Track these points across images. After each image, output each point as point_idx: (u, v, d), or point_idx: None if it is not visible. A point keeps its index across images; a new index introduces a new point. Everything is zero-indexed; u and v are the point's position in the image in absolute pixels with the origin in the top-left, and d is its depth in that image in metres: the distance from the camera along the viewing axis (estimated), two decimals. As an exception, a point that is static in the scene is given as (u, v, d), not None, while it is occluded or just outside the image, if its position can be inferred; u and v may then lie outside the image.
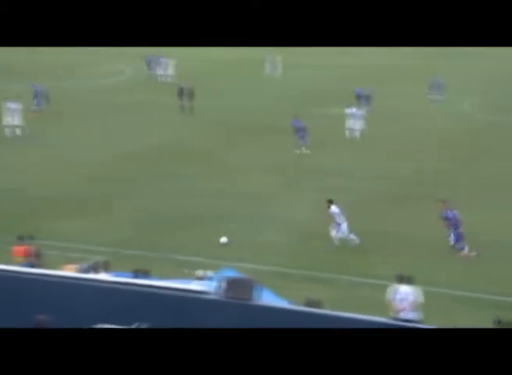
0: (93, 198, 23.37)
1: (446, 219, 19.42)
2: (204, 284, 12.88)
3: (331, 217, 19.76)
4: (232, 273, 13.91)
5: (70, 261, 16.34)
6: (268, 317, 10.88)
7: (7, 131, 30.73)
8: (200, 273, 14.83)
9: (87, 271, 14.23)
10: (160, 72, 46.26)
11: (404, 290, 14.23)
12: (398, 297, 14.21)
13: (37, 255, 15.77)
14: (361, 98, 36.23)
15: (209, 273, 14.92)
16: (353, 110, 32.13)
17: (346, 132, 31.78)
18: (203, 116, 35.38)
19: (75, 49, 54.13)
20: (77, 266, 15.11)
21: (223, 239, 19.57)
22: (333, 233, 19.71)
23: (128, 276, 13.35)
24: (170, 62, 46.38)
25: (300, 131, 29.37)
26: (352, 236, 19.76)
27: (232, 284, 11.17)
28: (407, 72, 49.29)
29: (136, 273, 13.83)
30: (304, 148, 29.16)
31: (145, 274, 14.01)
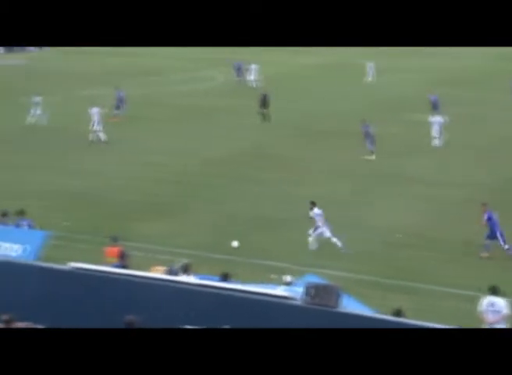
0: (177, 201, 23.80)
1: (488, 220, 19.59)
2: (289, 290, 12.94)
3: (312, 219, 19.84)
4: (315, 280, 13.91)
5: (158, 263, 16.70)
6: (353, 325, 10.81)
7: (92, 136, 31.59)
8: (286, 278, 14.87)
9: (174, 273, 14.47)
10: (249, 78, 46.80)
11: (499, 302, 13.88)
12: (491, 309, 13.86)
13: (127, 257, 16.17)
14: (436, 105, 35.70)
15: (295, 278, 14.95)
16: (436, 117, 31.80)
17: (431, 139, 31.40)
18: (288, 122, 35.59)
19: (168, 55, 55.84)
20: (165, 267, 15.41)
21: (234, 243, 19.54)
22: (311, 233, 19.80)
23: (215, 280, 13.53)
24: (258, 68, 46.94)
25: (367, 137, 29.46)
26: (334, 240, 19.74)
27: (318, 291, 11.16)
28: (490, 74, 48.22)
29: (223, 277, 13.99)
30: (369, 154, 29.13)
31: (231, 278, 14.15)
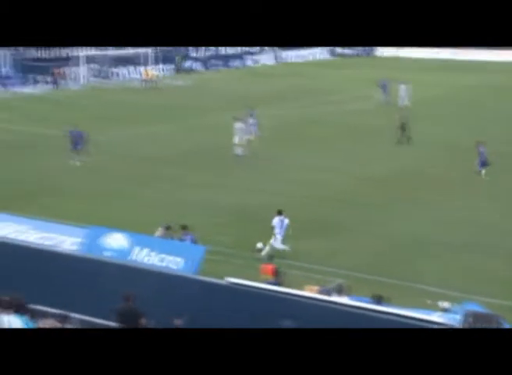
0: (336, 220, 23.73)
1: None
2: (446, 317, 12.53)
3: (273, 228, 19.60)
4: (476, 308, 13.36)
5: (312, 282, 16.74)
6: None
7: (238, 150, 32.20)
8: (443, 304, 14.43)
9: (327, 293, 14.46)
10: (399, 97, 46.05)
11: None
12: None
13: (282, 274, 16.36)
14: None
15: (453, 305, 14.46)
16: None
17: None
18: (447, 143, 34.80)
19: (325, 75, 56.12)
20: (318, 287, 15.44)
21: (259, 244, 19.52)
22: (272, 242, 19.43)
23: (367, 302, 13.37)
24: (407, 88, 46.02)
25: (480, 156, 29.16)
26: (283, 247, 19.52)
27: (477, 319, 10.75)
28: None
29: (377, 299, 13.80)
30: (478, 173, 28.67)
31: (385, 301, 13.92)
